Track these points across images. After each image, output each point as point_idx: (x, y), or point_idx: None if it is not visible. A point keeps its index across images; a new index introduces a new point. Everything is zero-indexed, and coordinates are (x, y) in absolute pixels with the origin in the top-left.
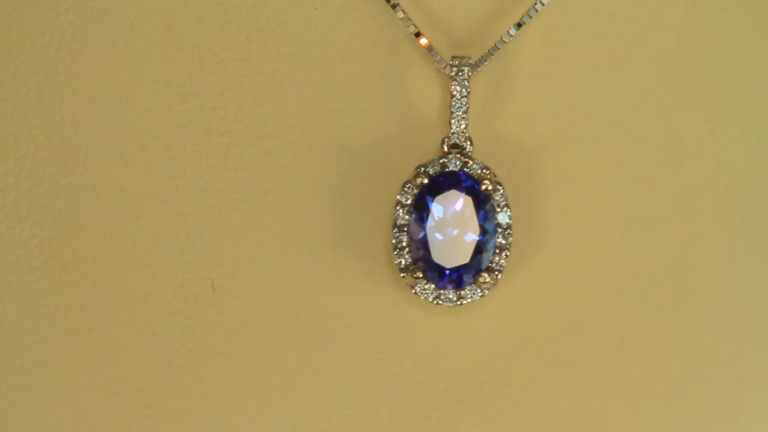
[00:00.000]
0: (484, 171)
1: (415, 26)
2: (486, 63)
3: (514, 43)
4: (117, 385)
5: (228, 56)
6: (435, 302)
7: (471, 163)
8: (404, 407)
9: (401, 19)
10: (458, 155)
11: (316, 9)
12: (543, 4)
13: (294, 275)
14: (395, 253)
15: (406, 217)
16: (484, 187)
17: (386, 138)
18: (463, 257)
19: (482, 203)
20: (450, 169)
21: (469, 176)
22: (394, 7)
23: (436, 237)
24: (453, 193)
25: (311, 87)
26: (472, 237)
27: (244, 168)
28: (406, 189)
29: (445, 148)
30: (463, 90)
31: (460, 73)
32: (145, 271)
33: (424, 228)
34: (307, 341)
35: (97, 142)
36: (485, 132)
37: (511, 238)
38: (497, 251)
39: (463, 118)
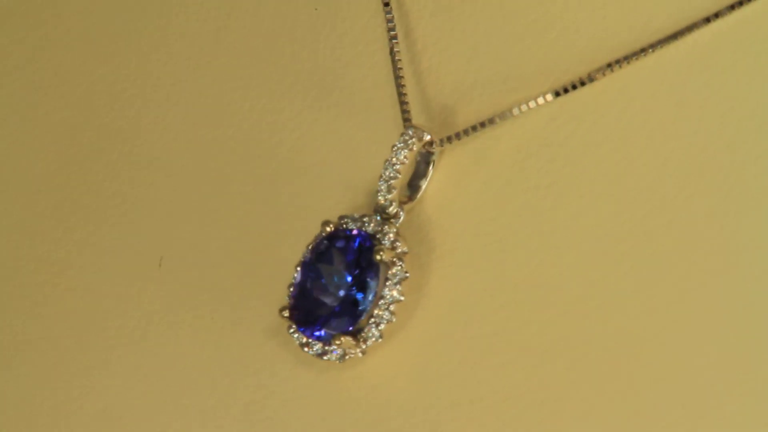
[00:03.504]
0: (395, 243)
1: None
2: (447, 146)
3: (490, 138)
4: (43, 320)
5: (244, 61)
6: (303, 349)
7: (386, 230)
8: None
9: (396, 76)
10: (379, 219)
11: (316, 9)
12: (520, 111)
13: (223, 280)
14: (289, 289)
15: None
16: (378, 257)
17: (349, 180)
18: (326, 312)
19: (372, 270)
20: (364, 228)
21: (372, 241)
22: (395, 66)
23: (311, 285)
24: (343, 250)
25: (300, 109)
26: (342, 297)
27: (231, 166)
28: (323, 234)
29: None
30: (397, 159)
31: (400, 143)
32: (112, 227)
33: (306, 274)
34: (208, 343)
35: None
36: (428, 209)
37: (393, 316)
38: (373, 322)
39: (392, 186)
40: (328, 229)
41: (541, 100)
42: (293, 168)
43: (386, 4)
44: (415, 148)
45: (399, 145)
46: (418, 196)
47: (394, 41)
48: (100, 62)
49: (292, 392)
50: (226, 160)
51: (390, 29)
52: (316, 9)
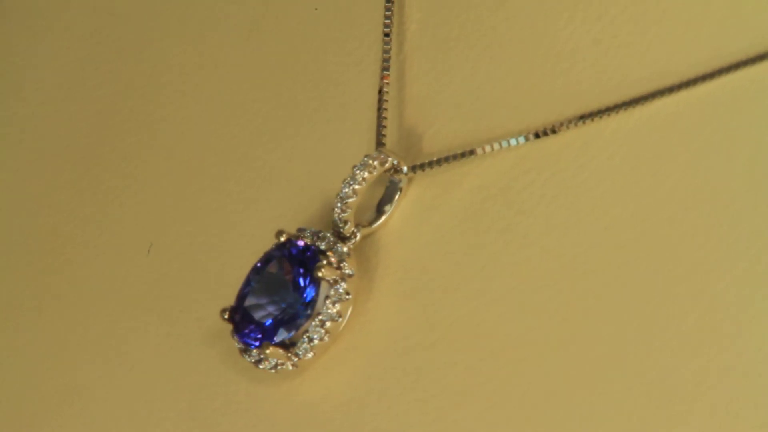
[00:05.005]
0: (342, 263)
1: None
2: (413, 175)
3: (457, 174)
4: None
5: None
6: (242, 354)
7: (337, 248)
8: None
9: (380, 99)
10: (332, 236)
11: (316, 9)
12: (484, 151)
13: (197, 278)
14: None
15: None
16: (319, 273)
17: (328, 197)
18: (266, 320)
19: (314, 285)
20: (317, 243)
21: (319, 256)
22: (381, 90)
23: (255, 292)
24: (291, 261)
25: (299, 121)
26: (284, 308)
27: (221, 167)
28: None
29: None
30: (354, 180)
31: (361, 165)
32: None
33: (252, 280)
34: (169, 336)
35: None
36: (387, 236)
37: (327, 335)
38: (306, 337)
39: (348, 205)
40: (281, 238)
41: (505, 144)
42: (277, 177)
43: (386, 29)
44: (375, 172)
45: (359, 166)
46: (381, 220)
47: (385, 63)
48: (105, 60)
49: (229, 397)
50: (215, 163)
51: (385, 51)
52: (315, 9)
